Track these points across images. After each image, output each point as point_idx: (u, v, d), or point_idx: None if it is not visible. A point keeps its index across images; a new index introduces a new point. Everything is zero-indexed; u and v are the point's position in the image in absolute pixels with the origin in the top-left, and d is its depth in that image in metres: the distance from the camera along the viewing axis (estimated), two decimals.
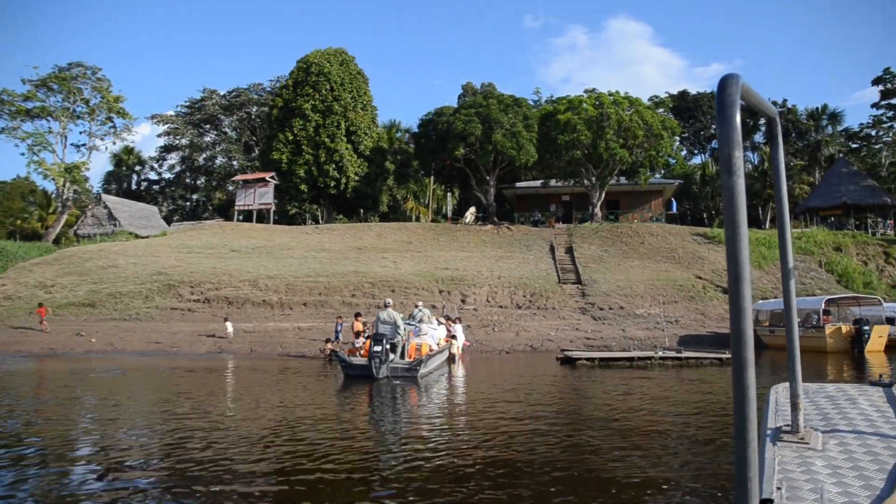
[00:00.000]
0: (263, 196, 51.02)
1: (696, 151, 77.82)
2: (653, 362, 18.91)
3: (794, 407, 3.17)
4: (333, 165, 50.06)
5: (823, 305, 24.84)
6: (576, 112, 45.07)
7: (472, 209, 61.68)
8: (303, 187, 50.42)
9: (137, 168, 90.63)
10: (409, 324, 18.61)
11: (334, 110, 50.52)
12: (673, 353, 19.61)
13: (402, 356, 16.81)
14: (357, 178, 51.18)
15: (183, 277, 32.72)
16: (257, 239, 42.99)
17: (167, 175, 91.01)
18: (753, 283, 34.27)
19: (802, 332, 23.93)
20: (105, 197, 70.09)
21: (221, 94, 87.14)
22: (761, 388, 15.51)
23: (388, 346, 15.97)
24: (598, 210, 47.55)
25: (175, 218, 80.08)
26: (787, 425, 3.26)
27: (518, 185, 56.17)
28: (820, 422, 3.48)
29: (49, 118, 63.49)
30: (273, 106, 53.25)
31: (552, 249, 40.63)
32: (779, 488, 2.56)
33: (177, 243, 40.45)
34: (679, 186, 56.55)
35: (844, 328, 23.89)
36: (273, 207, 52.16)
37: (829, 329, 23.77)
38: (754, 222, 56.38)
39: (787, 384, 3.65)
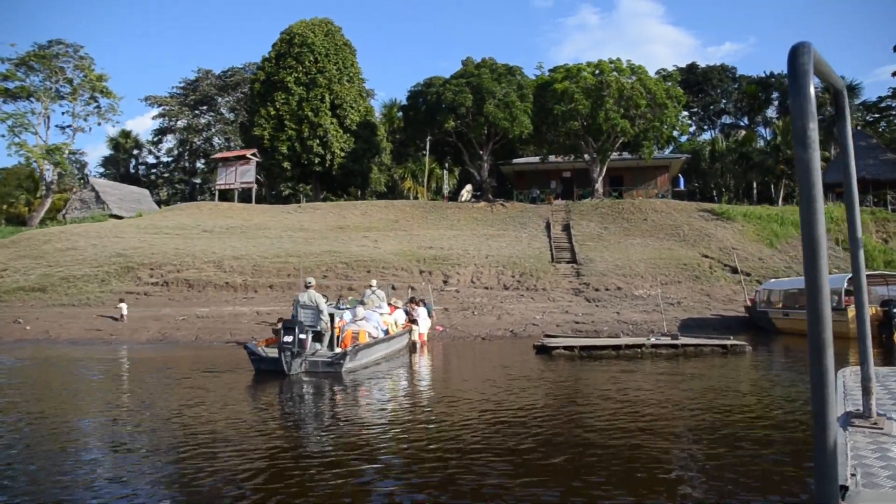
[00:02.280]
0: (245, 174, 48.18)
1: (705, 127, 74.34)
2: (644, 351, 15.92)
3: (866, 391, 3.05)
4: (318, 141, 47.06)
5: (846, 284, 21.40)
6: (574, 81, 41.89)
7: (469, 187, 58.70)
8: (286, 165, 47.48)
9: (135, 152, 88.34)
10: (339, 308, 15.68)
11: (318, 83, 47.46)
12: (667, 340, 16.53)
13: (333, 346, 13.97)
14: (343, 154, 48.18)
15: (143, 259, 30.04)
16: (234, 219, 40.29)
17: (165, 158, 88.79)
18: (764, 261, 31.29)
19: None
20: (93, 180, 67.67)
21: (216, 74, 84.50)
22: (773, 377, 12.54)
23: (302, 337, 12.98)
24: (599, 186, 44.45)
25: (175, 202, 77.75)
26: (858, 410, 3.16)
27: (516, 161, 53.09)
28: (893, 406, 3.35)
29: (31, 98, 60.95)
30: (255, 80, 50.27)
31: (548, 227, 37.74)
32: (853, 475, 2.37)
33: (146, 224, 37.79)
34: (686, 162, 53.35)
35: (871, 310, 20.71)
36: (255, 186, 49.28)
37: (851, 312, 20.59)
38: (766, 199, 53.16)
39: (854, 368, 3.89)
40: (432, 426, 8.51)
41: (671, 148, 53.42)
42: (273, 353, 13.19)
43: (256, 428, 8.45)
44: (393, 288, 24.61)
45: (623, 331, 21.70)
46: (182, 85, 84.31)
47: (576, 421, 8.64)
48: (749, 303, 24.85)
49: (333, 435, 8.16)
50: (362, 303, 16.83)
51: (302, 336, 13.01)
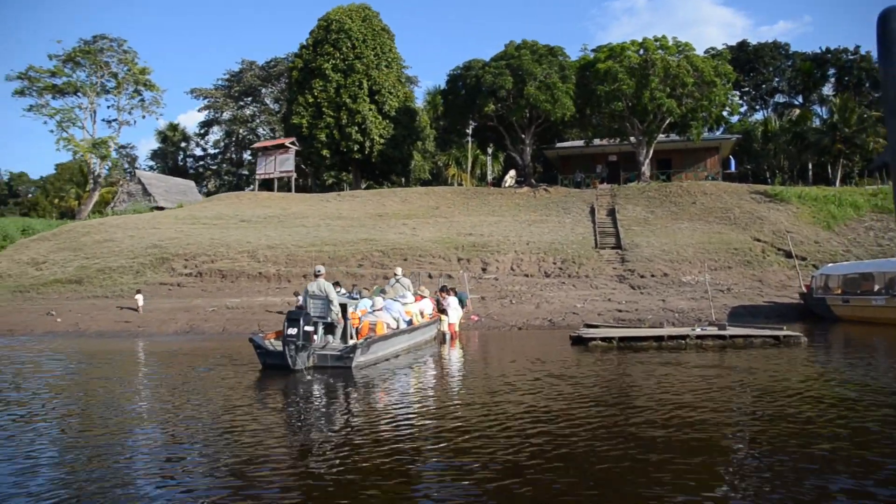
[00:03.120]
0: (284, 163, 47.85)
1: (757, 107, 71.64)
2: (688, 342, 14.80)
3: None
4: (356, 128, 46.39)
5: None
6: (617, 60, 40.36)
7: (512, 172, 57.57)
8: (325, 152, 46.91)
9: (183, 144, 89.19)
10: (352, 297, 14.74)
11: (356, 69, 46.73)
12: (714, 331, 15.33)
13: (346, 339, 13.09)
14: (382, 140, 47.44)
15: (178, 250, 29.85)
16: (272, 208, 39.96)
17: (212, 150, 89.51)
18: (820, 245, 29.63)
19: (885, 302, 19.47)
20: (139, 172, 68.62)
21: (260, 65, 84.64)
22: (834, 372, 11.39)
23: (308, 329, 12.01)
24: (645, 169, 42.90)
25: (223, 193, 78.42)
26: None
27: (561, 145, 51.73)
28: None
29: (77, 94, 61.77)
30: (293, 67, 49.80)
31: (592, 212, 36.52)
32: None
33: (185, 215, 37.69)
34: (738, 143, 51.32)
35: None
36: (294, 175, 48.93)
37: None
38: (822, 180, 50.84)
39: None
40: (438, 431, 7.66)
41: (721, 129, 51.41)
42: (279, 346, 12.36)
43: (228, 434, 7.67)
44: (430, 276, 23.85)
45: (668, 319, 20.54)
46: (227, 77, 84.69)
47: (610, 427, 7.69)
48: (804, 289, 23.37)
49: (320, 444, 7.36)
50: (383, 291, 15.97)
51: (308, 328, 12.08)
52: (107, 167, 63.04)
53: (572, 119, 43.61)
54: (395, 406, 9.34)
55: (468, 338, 18.75)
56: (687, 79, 38.89)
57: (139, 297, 23.70)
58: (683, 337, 15.04)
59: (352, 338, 13.11)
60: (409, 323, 15.24)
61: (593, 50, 44.02)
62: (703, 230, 32.21)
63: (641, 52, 40.80)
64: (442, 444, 6.93)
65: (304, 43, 49.18)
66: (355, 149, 46.88)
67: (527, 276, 28.44)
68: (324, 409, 9.39)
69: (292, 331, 11.84)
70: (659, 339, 15.03)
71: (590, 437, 7.05)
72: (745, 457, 6.37)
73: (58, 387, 11.30)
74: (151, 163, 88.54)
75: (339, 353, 12.44)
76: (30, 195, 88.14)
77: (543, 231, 33.57)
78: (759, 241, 30.14)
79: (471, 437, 7.18)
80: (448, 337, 17.81)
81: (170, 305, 23.85)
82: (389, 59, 49.66)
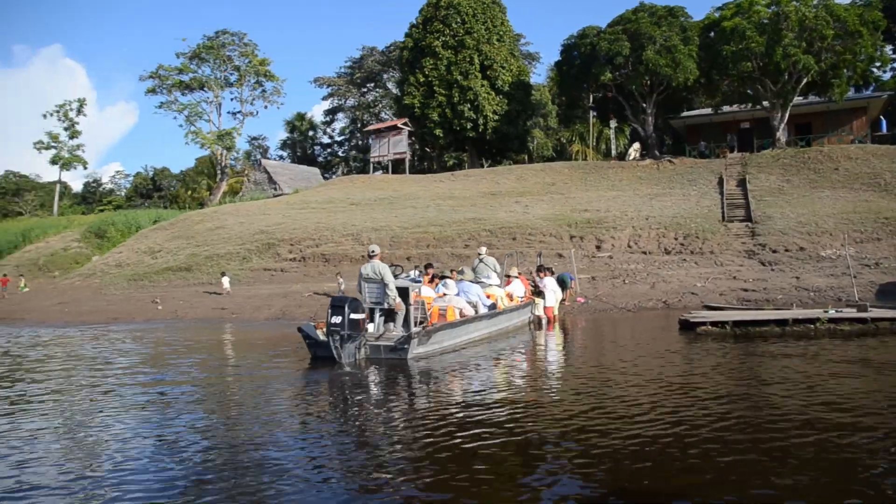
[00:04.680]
0: (397, 145, 47.49)
1: None
2: (819, 327, 12.55)
3: None
4: (468, 105, 45.24)
5: None
6: (745, 16, 36.90)
7: (637, 145, 54.72)
8: (438, 132, 46.12)
9: (311, 133, 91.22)
10: (416, 280, 13.24)
11: (466, 45, 45.52)
12: (852, 313, 12.92)
13: (408, 327, 11.67)
14: (496, 117, 46.04)
15: (284, 235, 29.91)
16: (385, 190, 39.59)
17: (338, 138, 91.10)
18: None
19: None
20: (265, 162, 70.64)
21: (380, 50, 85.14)
22: None
23: (356, 316, 10.66)
24: (780, 134, 39.20)
25: None
26: None
27: (687, 113, 48.41)
28: None
29: (203, 88, 64.25)
30: (403, 48, 49.21)
31: (720, 183, 33.76)
32: None
33: (296, 200, 37.97)
34: (890, 101, 46.15)
35: None
36: (407, 156, 48.49)
37: None
38: None
39: None
40: (488, 438, 6.38)
41: (871, 87, 46.48)
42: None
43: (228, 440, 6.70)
44: (539, 255, 22.38)
45: (801, 300, 18.12)
46: (348, 64, 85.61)
47: (705, 446, 6.17)
48: None
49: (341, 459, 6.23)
50: (461, 272, 14.56)
51: (356, 315, 10.73)
52: (232, 158, 65.23)
53: (697, 84, 40.52)
54: (444, 406, 8.02)
55: (570, 322, 17.24)
56: (826, 31, 35.00)
57: (225, 280, 23.93)
58: (813, 320, 12.73)
59: (416, 325, 11.78)
60: (493, 307, 13.91)
61: (718, 8, 40.49)
62: (846, 198, 28.93)
63: (773, 6, 37.14)
64: (491, 451, 5.67)
65: (414, 22, 48.51)
66: (468, 127, 45.79)
67: (644, 253, 26.45)
68: (357, 411, 8.08)
69: (336, 319, 10.60)
70: (782, 322, 12.78)
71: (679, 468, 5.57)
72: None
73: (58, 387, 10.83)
74: (281, 152, 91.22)
75: (393, 343, 11.16)
76: (171, 188, 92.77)
77: (665, 205, 31.30)
78: None
79: (526, 444, 5.88)
80: (545, 322, 16.34)
81: (268, 291, 23.73)
82: (501, 33, 48.11)
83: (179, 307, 22.77)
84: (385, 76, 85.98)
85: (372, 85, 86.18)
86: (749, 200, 30.40)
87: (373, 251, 11.88)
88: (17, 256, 40.79)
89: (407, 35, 49.43)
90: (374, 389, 9.43)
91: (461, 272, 14.47)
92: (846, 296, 17.65)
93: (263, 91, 66.43)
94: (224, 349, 14.72)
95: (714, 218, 28.94)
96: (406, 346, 10.98)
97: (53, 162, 67.22)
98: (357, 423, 7.32)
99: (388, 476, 5.30)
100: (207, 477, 5.36)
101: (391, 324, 11.75)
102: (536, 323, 16.19)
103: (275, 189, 59.76)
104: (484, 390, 8.94)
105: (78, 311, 23.86)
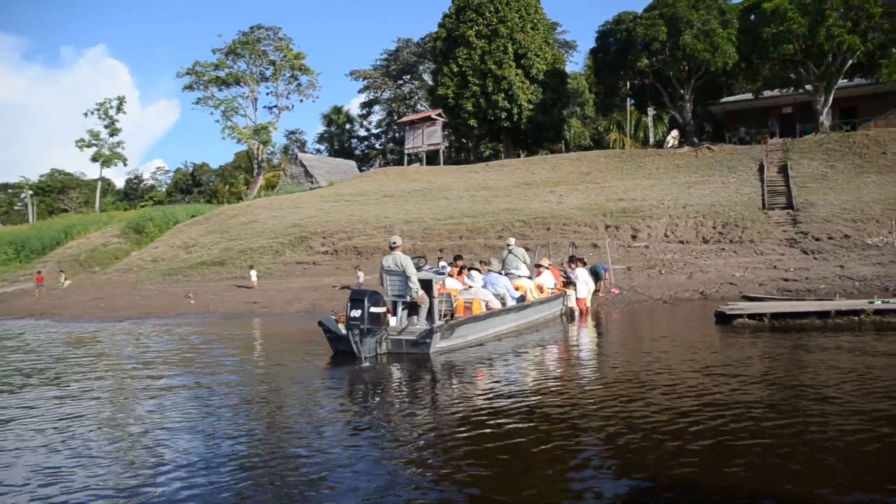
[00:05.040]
0: (431, 136, 47.20)
1: None
2: (864, 319, 11.86)
3: None
4: (502, 95, 44.75)
5: None
6: None
7: (675, 132, 53.68)
8: (472, 122, 45.71)
9: (347, 126, 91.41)
10: (439, 272, 12.55)
11: (500, 33, 45.00)
12: None
13: (432, 320, 11.17)
14: (531, 106, 45.47)
15: (317, 228, 29.89)
16: (418, 182, 39.38)
17: (375, 130, 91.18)
18: None
19: None
20: (301, 155, 70.92)
21: (416, 41, 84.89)
22: None
23: (376, 310, 10.27)
24: (824, 119, 38.00)
25: None
26: None
27: (726, 99, 47.24)
28: None
29: (239, 83, 64.70)
30: (437, 38, 48.85)
31: (761, 169, 32.89)
32: None
33: (329, 193, 37.98)
34: None
35: None
36: (441, 147, 48.16)
37: None
38: None
39: None
40: (502, 438, 6.09)
41: None
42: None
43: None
44: (572, 245, 21.97)
45: (846, 289, 17.44)
46: (384, 56, 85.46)
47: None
48: None
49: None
50: (488, 264, 14.16)
51: (376, 309, 10.29)
52: (268, 152, 65.63)
53: (736, 69, 39.48)
54: (467, 402, 7.74)
55: (603, 314, 16.80)
56: (873, 8, 33.76)
57: (252, 273, 24.05)
58: (857, 312, 12.03)
59: (442, 318, 11.34)
60: (521, 300, 13.54)
61: None
62: (894, 183, 27.92)
63: None
64: (486, 452, 5.39)
65: (447, 12, 48.08)
66: (503, 116, 45.33)
67: (682, 242, 25.84)
68: (374, 407, 7.84)
69: (356, 313, 10.16)
70: (824, 314, 12.12)
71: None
72: None
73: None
74: (319, 146, 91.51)
75: (414, 338, 10.76)
76: (211, 184, 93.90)
77: (704, 193, 30.57)
78: None
79: (540, 446, 5.58)
80: (577, 314, 15.91)
81: (300, 284, 23.69)
82: (535, 21, 47.48)
83: (211, 301, 22.82)
84: (420, 68, 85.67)
85: (408, 77, 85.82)
86: (791, 187, 29.56)
87: (394, 243, 11.39)
88: (59, 252, 41.46)
89: (440, 25, 49.05)
90: (392, 386, 9.18)
91: (489, 264, 14.10)
92: (894, 285, 16.95)
93: (299, 85, 66.62)
94: (246, 345, 14.52)
95: (754, 206, 28.18)
96: (428, 341, 10.60)
97: (94, 159, 68.34)
98: (379, 420, 7.08)
99: (423, 475, 5.06)
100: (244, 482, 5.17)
101: (415, 317, 11.40)
102: (568, 315, 15.78)
103: (311, 182, 59.96)
104: (508, 386, 8.56)
105: (113, 306, 24.07)
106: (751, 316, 12.38)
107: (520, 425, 6.34)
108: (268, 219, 32.76)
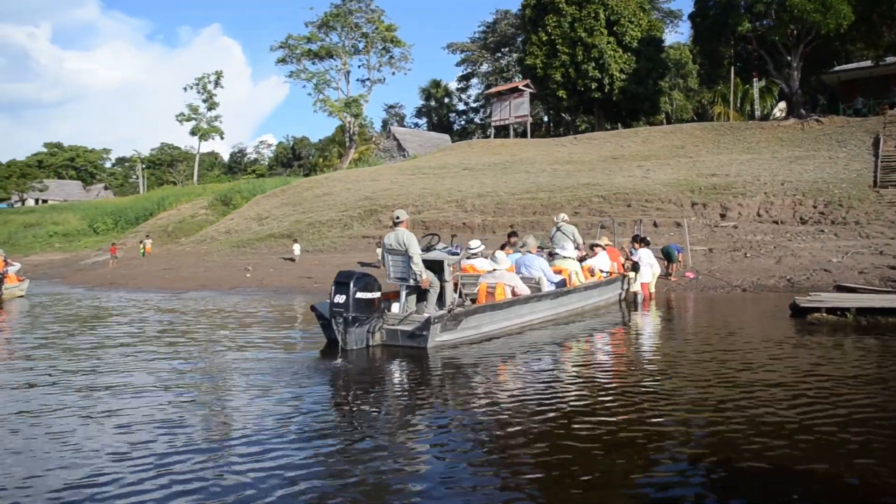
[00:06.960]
0: (519, 108, 45.57)
1: None
2: None
3: None
4: (593, 64, 42.45)
5: None
6: None
7: (782, 104, 49.92)
8: (561, 93, 43.63)
9: (446, 100, 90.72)
10: (452, 252, 10.70)
11: None
12: None
13: (443, 306, 9.60)
14: (624, 76, 42.98)
15: (388, 202, 28.99)
16: (502, 155, 37.94)
17: (473, 104, 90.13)
18: None
19: None
20: (393, 129, 70.60)
21: (514, 13, 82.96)
22: None
23: (363, 296, 8.76)
24: None
25: None
26: None
27: (841, 68, 43.29)
28: None
29: (331, 56, 64.62)
30: (525, 6, 46.81)
31: (876, 143, 29.66)
32: None
33: (408, 166, 37.05)
34: None
35: None
36: (529, 119, 46.38)
37: None
38: None
39: None
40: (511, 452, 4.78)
41: None
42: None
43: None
44: (638, 223, 20.21)
45: None
46: (482, 29, 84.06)
47: None
48: None
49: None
50: (523, 244, 12.55)
51: (364, 294, 8.82)
52: (360, 125, 65.52)
53: (853, 32, 35.82)
54: (477, 407, 6.46)
55: (671, 301, 15.06)
56: None
57: (296, 247, 23.63)
58: None
59: (455, 305, 9.60)
60: (562, 284, 11.92)
61: None
62: None
63: None
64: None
65: None
66: (593, 87, 43.07)
67: (776, 222, 23.43)
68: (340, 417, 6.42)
69: (340, 298, 8.72)
70: None
71: None
72: None
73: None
74: (417, 120, 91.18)
75: (410, 329, 9.16)
76: (310, 157, 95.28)
77: (806, 168, 27.80)
78: None
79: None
80: (640, 300, 14.18)
81: (359, 260, 22.78)
82: None
83: (267, 276, 22.31)
84: (518, 40, 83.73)
85: (506, 49, 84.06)
86: None
87: (397, 217, 9.97)
88: (151, 223, 42.48)
89: None
90: (347, 390, 7.56)
91: (523, 244, 12.52)
92: None
93: (391, 57, 65.96)
94: (242, 325, 13.22)
95: (864, 183, 25.30)
96: (425, 333, 8.98)
97: (193, 133, 70.21)
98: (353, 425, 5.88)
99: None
100: None
101: (423, 304, 10.04)
102: (632, 301, 14.08)
103: (404, 156, 59.46)
104: (507, 402, 7.10)
105: (176, 276, 24.02)
106: (830, 310, 10.38)
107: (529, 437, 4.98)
108: (341, 191, 32.17)
